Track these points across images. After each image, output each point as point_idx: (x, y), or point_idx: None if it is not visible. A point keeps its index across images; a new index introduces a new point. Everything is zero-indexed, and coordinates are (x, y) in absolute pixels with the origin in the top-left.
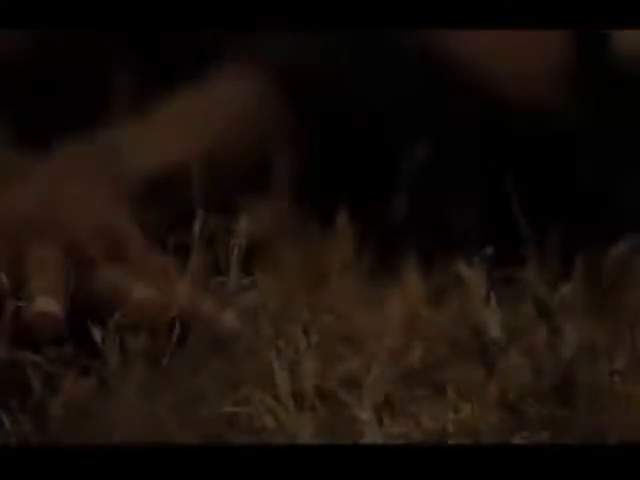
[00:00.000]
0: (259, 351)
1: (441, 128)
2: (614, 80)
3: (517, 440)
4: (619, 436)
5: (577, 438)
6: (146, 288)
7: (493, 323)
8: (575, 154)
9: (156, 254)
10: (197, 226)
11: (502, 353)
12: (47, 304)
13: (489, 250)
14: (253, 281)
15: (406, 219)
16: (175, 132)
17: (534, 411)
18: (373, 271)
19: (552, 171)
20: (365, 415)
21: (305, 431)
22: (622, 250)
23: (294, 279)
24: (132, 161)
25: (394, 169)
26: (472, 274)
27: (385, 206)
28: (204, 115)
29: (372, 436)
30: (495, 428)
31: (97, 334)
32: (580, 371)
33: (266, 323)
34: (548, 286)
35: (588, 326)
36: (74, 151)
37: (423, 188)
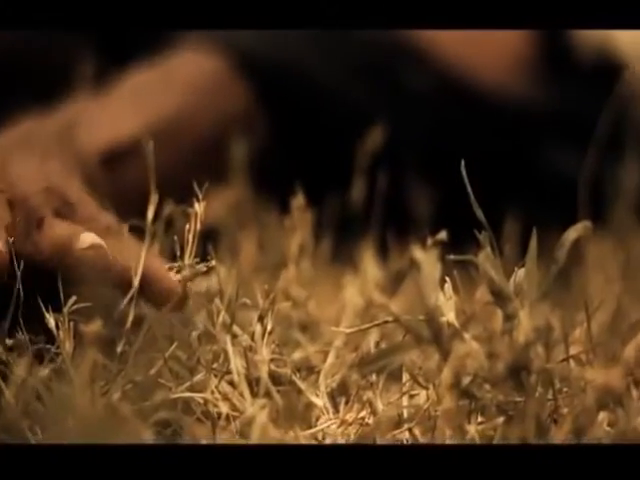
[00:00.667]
0: (214, 337)
1: (397, 113)
2: (574, 73)
3: (473, 425)
4: (573, 422)
5: (532, 424)
6: (93, 237)
7: (448, 308)
8: (533, 140)
9: (106, 215)
10: (151, 210)
11: (457, 338)
12: None
13: (443, 234)
14: (208, 266)
15: (363, 204)
16: (130, 108)
17: (489, 396)
18: (330, 257)
19: (509, 157)
20: (320, 401)
21: (260, 417)
22: (576, 235)
23: (250, 265)
24: (86, 136)
25: (350, 154)
26: (427, 259)
27: (342, 192)
28: (159, 92)
29: (327, 422)
30: (450, 414)
31: (51, 320)
32: (535, 356)
33: (222, 309)
34: (503, 271)
35: (543, 311)
36: (28, 125)
37: (380, 173)
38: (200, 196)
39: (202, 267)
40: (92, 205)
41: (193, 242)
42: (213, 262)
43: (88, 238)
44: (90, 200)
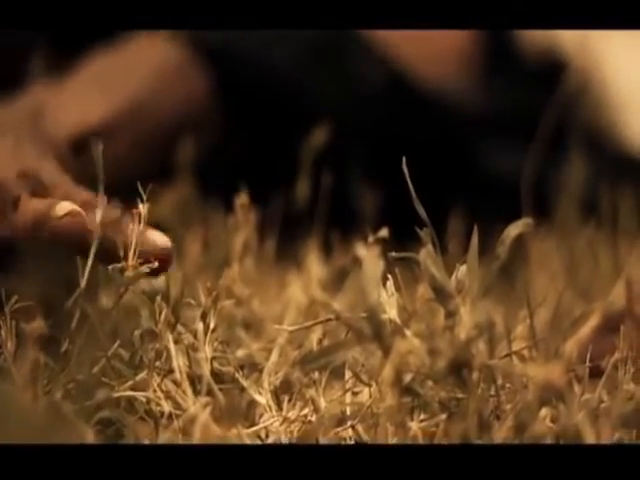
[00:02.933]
0: (157, 335)
1: (341, 111)
2: (517, 71)
3: (415, 422)
4: (515, 418)
5: (474, 420)
6: (71, 204)
7: (390, 305)
8: (477, 138)
9: (82, 191)
10: (99, 213)
11: (398, 335)
12: None
13: (384, 232)
14: (152, 268)
15: (307, 203)
16: (95, 93)
17: (431, 393)
18: (274, 255)
19: (454, 154)
20: (263, 399)
21: (202, 415)
22: (517, 232)
23: (194, 263)
24: (54, 121)
25: (295, 152)
26: (369, 256)
27: (286, 190)
28: (121, 77)
29: (270, 420)
30: (392, 410)
31: None
32: (477, 353)
33: (165, 307)
34: (446, 268)
35: (485, 308)
36: None
37: (324, 171)
38: (144, 197)
39: (145, 268)
40: (67, 184)
41: (137, 243)
42: (156, 264)
43: (65, 205)
44: (65, 179)
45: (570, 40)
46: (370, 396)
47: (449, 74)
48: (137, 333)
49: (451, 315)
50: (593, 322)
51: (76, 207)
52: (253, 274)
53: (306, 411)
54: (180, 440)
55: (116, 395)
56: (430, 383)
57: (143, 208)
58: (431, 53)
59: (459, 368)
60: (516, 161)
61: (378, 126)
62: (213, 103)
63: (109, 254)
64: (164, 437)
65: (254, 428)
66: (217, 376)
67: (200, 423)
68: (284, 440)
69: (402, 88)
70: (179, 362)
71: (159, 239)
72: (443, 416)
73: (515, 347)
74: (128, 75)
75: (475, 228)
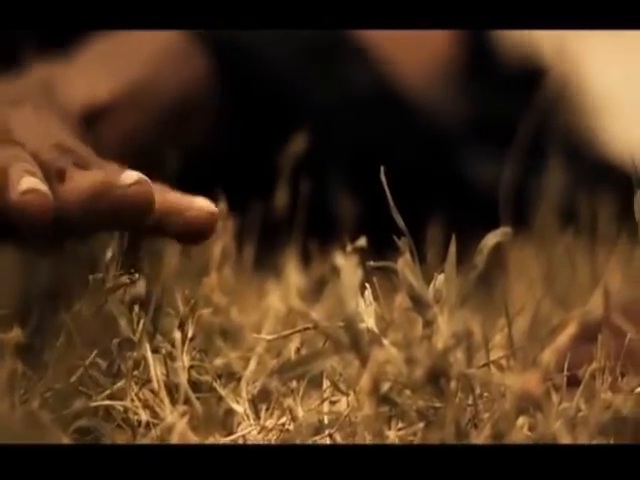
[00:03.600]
0: (135, 344)
1: (320, 118)
2: (496, 77)
3: (393, 431)
4: (493, 427)
5: (452, 429)
6: (136, 173)
7: (368, 314)
8: (456, 146)
9: (113, 165)
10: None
11: (376, 344)
12: (33, 183)
13: (362, 241)
14: (132, 279)
15: (286, 211)
16: (101, 72)
17: (409, 402)
18: (253, 264)
19: (433, 162)
20: (241, 408)
21: (180, 424)
22: (495, 241)
23: (172, 271)
24: (64, 97)
25: (273, 160)
26: (346, 265)
27: (265, 198)
28: (125, 58)
29: (248, 429)
30: (370, 419)
31: None
32: (455, 362)
33: (143, 316)
34: (423, 278)
35: (463, 317)
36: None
37: (303, 179)
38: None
39: (125, 279)
40: (94, 156)
41: (119, 254)
42: (137, 275)
43: (132, 174)
44: (91, 151)
45: (549, 45)
46: (348, 405)
47: (428, 81)
48: (115, 342)
49: (429, 324)
50: (571, 331)
51: (142, 175)
52: (232, 283)
53: (284, 420)
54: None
55: (94, 404)
56: (408, 392)
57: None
58: (410, 58)
59: (437, 377)
60: (496, 169)
61: (357, 134)
62: (211, 87)
63: (158, 225)
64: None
65: (232, 437)
66: (195, 385)
67: (177, 432)
68: None
69: (384, 94)
70: (157, 371)
71: (206, 204)
72: (421, 425)
73: (493, 356)
74: (133, 54)
75: (453, 237)
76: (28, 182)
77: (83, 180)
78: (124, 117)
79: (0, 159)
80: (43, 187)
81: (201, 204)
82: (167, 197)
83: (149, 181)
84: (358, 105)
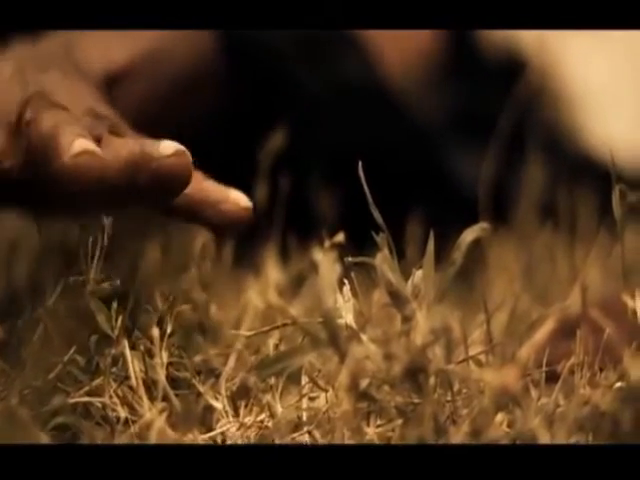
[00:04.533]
0: (114, 340)
1: (299, 114)
2: (477, 73)
3: (371, 427)
4: (472, 423)
5: (430, 425)
6: (175, 143)
7: (346, 310)
8: (436, 141)
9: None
10: None
11: (354, 340)
12: (86, 145)
13: (340, 236)
14: (112, 285)
15: (265, 207)
16: (115, 40)
17: (388, 399)
18: (232, 260)
19: (412, 158)
20: (220, 404)
21: (158, 421)
22: (473, 237)
23: (151, 268)
24: (85, 63)
25: (253, 155)
26: (325, 261)
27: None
28: None
29: (227, 425)
30: (348, 416)
31: None
32: (434, 358)
33: (121, 312)
34: (402, 273)
35: (441, 313)
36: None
37: (282, 175)
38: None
39: (106, 285)
40: (125, 124)
41: (100, 256)
42: (118, 282)
43: (171, 144)
44: (120, 119)
45: (529, 41)
46: (327, 401)
47: (408, 77)
48: (93, 339)
49: (407, 320)
50: (549, 326)
51: (181, 146)
52: (211, 279)
53: (262, 417)
54: None
55: (72, 401)
56: (386, 388)
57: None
58: (391, 54)
59: (415, 373)
60: (476, 165)
61: (337, 129)
62: (215, 65)
63: (190, 211)
64: (119, 443)
65: (210, 434)
66: (174, 382)
67: (156, 428)
68: None
69: (365, 90)
70: (135, 368)
71: (242, 199)
72: (399, 421)
73: (472, 352)
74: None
75: (431, 233)
76: (81, 144)
77: (121, 149)
78: (135, 87)
79: (48, 122)
80: (97, 149)
81: (236, 197)
82: (203, 185)
83: (187, 152)
84: (338, 101)
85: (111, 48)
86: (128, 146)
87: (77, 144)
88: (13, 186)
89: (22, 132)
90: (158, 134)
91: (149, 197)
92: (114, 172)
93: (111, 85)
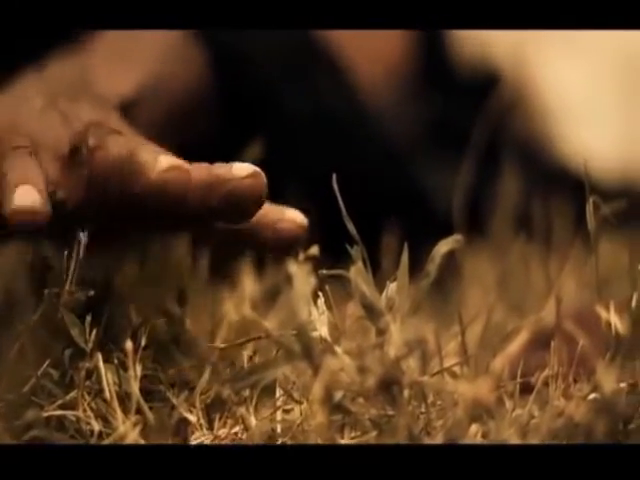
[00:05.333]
0: (88, 354)
1: (274, 128)
2: (451, 83)
3: (346, 439)
4: (446, 434)
5: (404, 437)
6: (249, 165)
7: (320, 322)
8: (409, 153)
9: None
10: None
11: (328, 353)
12: (173, 160)
13: (314, 249)
14: (88, 295)
15: None
16: (119, 68)
17: (362, 411)
18: (208, 272)
19: (387, 170)
20: (194, 417)
21: (132, 434)
22: (447, 249)
23: (125, 280)
24: (101, 89)
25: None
26: (299, 274)
27: None
28: (134, 52)
29: (201, 438)
30: (322, 428)
31: None
32: (408, 370)
33: (95, 325)
34: (378, 286)
35: (415, 325)
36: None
37: None
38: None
39: (81, 295)
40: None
41: (75, 269)
42: (92, 292)
43: (245, 166)
44: (131, 130)
45: (503, 53)
46: (301, 414)
47: (381, 87)
48: (67, 352)
49: (381, 332)
50: (522, 338)
51: (256, 167)
52: (186, 292)
53: (237, 429)
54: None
55: (46, 414)
56: (361, 400)
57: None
58: (362, 67)
59: (389, 385)
60: (451, 176)
61: (311, 142)
62: (206, 87)
63: (248, 233)
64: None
65: None
66: (148, 394)
67: (130, 441)
68: None
69: (340, 102)
70: (108, 381)
71: (298, 216)
72: (374, 433)
73: (447, 364)
74: (144, 50)
75: (405, 245)
76: (167, 159)
77: (198, 171)
78: (142, 114)
79: (118, 147)
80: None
81: (292, 215)
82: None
83: (262, 173)
84: (313, 115)
85: (121, 74)
86: (204, 168)
87: (163, 160)
88: (63, 217)
89: (82, 162)
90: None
91: (223, 218)
92: (194, 189)
93: (123, 112)
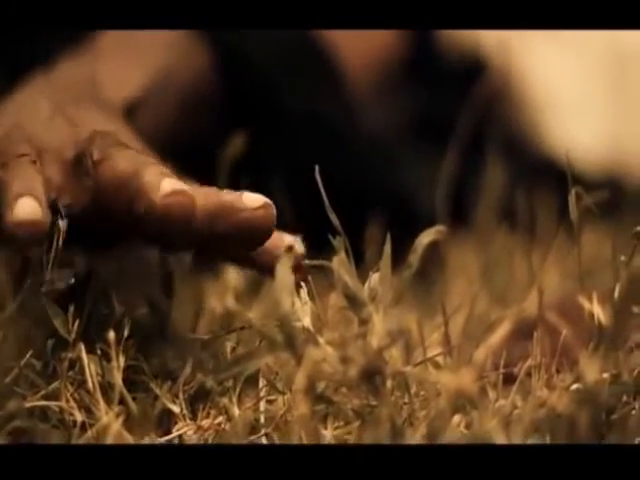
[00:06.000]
0: (70, 344)
1: (258, 120)
2: (437, 75)
3: (329, 430)
4: (429, 425)
5: (387, 428)
6: (260, 195)
7: (303, 313)
8: (393, 144)
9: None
10: None
11: (311, 343)
12: (175, 184)
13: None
14: (69, 284)
15: None
16: (124, 67)
17: (345, 401)
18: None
19: (366, 162)
20: (177, 408)
21: (115, 425)
22: (429, 240)
23: (108, 271)
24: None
25: (212, 159)
26: (282, 264)
27: None
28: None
29: (184, 429)
30: (305, 418)
31: None
32: (391, 360)
33: (78, 316)
34: (362, 276)
35: (398, 315)
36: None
37: (242, 179)
38: (63, 213)
39: (62, 284)
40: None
41: (55, 257)
42: (72, 281)
43: (257, 196)
44: (139, 142)
45: (489, 44)
46: (284, 404)
47: (366, 79)
48: (50, 342)
49: (364, 323)
50: (505, 329)
51: (266, 198)
52: (170, 282)
53: (220, 419)
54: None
55: (29, 405)
56: (344, 391)
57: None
58: (348, 57)
59: (372, 376)
60: (434, 167)
61: (295, 134)
62: (208, 84)
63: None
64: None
65: (168, 437)
66: (131, 385)
67: (113, 432)
68: None
69: (325, 95)
70: (91, 371)
71: (297, 244)
72: (357, 423)
73: (430, 354)
74: (146, 47)
75: (388, 236)
76: (170, 183)
77: (204, 197)
78: (148, 112)
79: (123, 163)
80: (187, 187)
81: (290, 243)
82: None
83: (272, 205)
84: (299, 107)
85: (126, 74)
86: (213, 196)
87: (167, 184)
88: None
89: (88, 173)
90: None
91: (230, 245)
92: (201, 216)
93: (129, 113)
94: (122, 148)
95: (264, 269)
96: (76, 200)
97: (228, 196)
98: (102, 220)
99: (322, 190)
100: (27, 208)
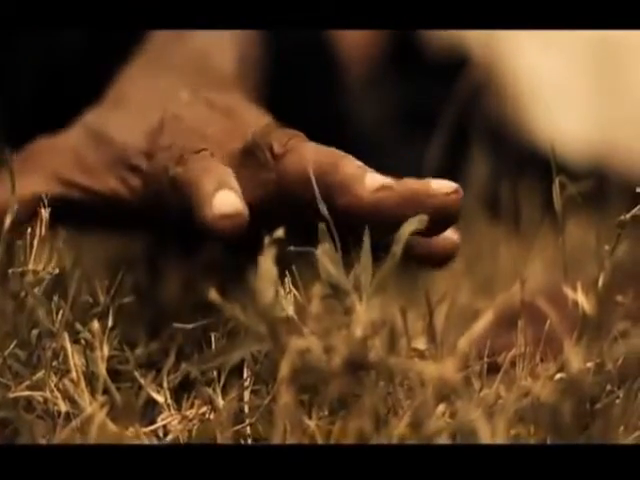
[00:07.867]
0: (55, 334)
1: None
2: (423, 68)
3: (313, 420)
4: (413, 415)
5: (371, 417)
6: (447, 181)
7: (287, 302)
8: (380, 136)
9: None
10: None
11: (294, 333)
12: (228, 205)
13: (280, 232)
14: (52, 273)
15: None
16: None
17: (329, 390)
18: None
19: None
20: (162, 398)
21: (99, 415)
22: (412, 229)
23: (95, 260)
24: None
25: None
26: (265, 254)
27: None
28: None
29: (168, 419)
30: (289, 408)
31: None
32: (374, 350)
33: (62, 306)
34: (343, 266)
35: (382, 305)
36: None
37: None
38: (46, 201)
39: (45, 274)
40: None
41: (38, 247)
42: (57, 270)
43: (444, 182)
44: None
45: (473, 36)
46: (268, 394)
47: (353, 72)
48: (34, 332)
49: (347, 312)
50: (488, 318)
51: (455, 183)
52: (158, 272)
53: (204, 409)
54: (77, 439)
55: (13, 395)
56: (327, 381)
57: (45, 213)
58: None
59: (356, 365)
60: (419, 158)
61: (284, 121)
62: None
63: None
64: (61, 436)
65: (152, 427)
66: (116, 375)
67: (97, 422)
68: (182, 439)
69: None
70: (75, 361)
71: (454, 235)
72: (341, 413)
73: (415, 344)
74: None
75: (366, 226)
76: (376, 178)
77: (400, 186)
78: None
79: (317, 156)
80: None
81: (448, 234)
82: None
83: (460, 189)
84: (288, 96)
85: (225, 44)
86: (401, 183)
87: (375, 178)
88: None
89: (266, 166)
90: None
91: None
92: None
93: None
94: (301, 140)
95: (419, 260)
96: (250, 193)
97: (417, 184)
98: (279, 211)
99: (313, 179)
100: (228, 201)
